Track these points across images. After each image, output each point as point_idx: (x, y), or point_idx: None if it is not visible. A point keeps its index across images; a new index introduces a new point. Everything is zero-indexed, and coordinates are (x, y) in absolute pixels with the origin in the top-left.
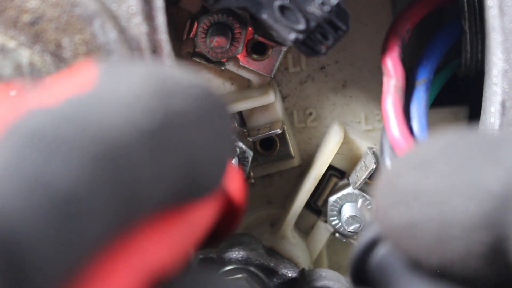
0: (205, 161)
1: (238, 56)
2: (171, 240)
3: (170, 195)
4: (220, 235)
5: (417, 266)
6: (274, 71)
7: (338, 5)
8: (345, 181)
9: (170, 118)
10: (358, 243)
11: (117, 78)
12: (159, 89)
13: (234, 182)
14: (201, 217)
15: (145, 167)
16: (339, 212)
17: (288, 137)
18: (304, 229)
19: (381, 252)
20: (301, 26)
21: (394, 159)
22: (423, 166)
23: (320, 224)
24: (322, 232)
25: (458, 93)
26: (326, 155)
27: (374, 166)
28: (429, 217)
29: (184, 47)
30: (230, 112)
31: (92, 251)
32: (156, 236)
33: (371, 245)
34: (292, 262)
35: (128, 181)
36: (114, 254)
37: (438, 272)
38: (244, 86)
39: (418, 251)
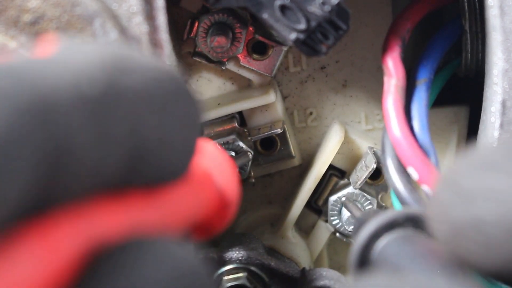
0: (158, 143)
1: (239, 56)
2: (128, 216)
3: (117, 170)
4: (212, 228)
5: (471, 266)
6: (274, 71)
7: (338, 4)
8: (345, 181)
9: (117, 91)
10: (362, 234)
11: (74, 50)
12: (113, 65)
13: (225, 175)
14: (171, 200)
15: (80, 131)
16: (340, 211)
17: (288, 136)
18: (305, 229)
19: (384, 241)
20: (302, 25)
21: (457, 160)
22: (489, 165)
23: (321, 223)
24: (322, 232)
25: (458, 93)
26: (327, 155)
27: (375, 165)
28: (497, 215)
29: (184, 47)
30: (197, 100)
31: (13, 208)
32: (113, 209)
33: (374, 236)
34: (292, 262)
35: (58, 138)
36: (56, 216)
37: (496, 274)
38: (245, 86)
39: (480, 250)
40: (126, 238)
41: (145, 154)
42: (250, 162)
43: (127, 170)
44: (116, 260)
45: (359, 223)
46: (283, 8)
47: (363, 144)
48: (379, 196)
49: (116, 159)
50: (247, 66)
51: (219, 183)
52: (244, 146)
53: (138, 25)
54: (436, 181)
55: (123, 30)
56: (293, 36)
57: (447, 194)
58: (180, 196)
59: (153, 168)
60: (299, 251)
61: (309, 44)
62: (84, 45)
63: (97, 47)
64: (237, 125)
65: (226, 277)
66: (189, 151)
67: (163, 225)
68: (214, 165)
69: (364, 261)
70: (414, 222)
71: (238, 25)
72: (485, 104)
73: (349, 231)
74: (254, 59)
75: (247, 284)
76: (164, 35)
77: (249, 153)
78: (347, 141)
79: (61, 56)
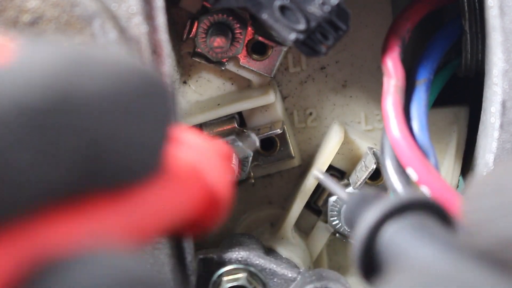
0: (117, 143)
1: (238, 56)
2: (81, 226)
3: (70, 178)
4: (202, 226)
5: None
6: (274, 71)
7: (338, 5)
8: (345, 181)
9: (69, 100)
10: (363, 226)
11: (31, 57)
12: (69, 70)
13: (216, 170)
14: (143, 202)
15: (20, 146)
16: (339, 212)
17: (288, 137)
18: (304, 229)
19: (390, 231)
20: (302, 26)
21: (501, 163)
22: None
23: (320, 224)
24: (322, 232)
25: (458, 93)
26: (326, 155)
27: (374, 166)
28: None
29: (184, 47)
30: (168, 95)
31: None
32: (64, 220)
33: (376, 227)
34: (292, 262)
35: None
36: None
37: None
38: (244, 86)
39: None
40: (70, 252)
41: (103, 156)
42: (250, 162)
43: (84, 175)
44: (51, 276)
45: (351, 208)
46: (282, 8)
47: (363, 145)
48: None
49: (66, 168)
50: (246, 66)
51: (208, 178)
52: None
53: (137, 25)
54: (474, 182)
55: (122, 31)
56: (292, 36)
57: (494, 202)
58: (155, 196)
59: (113, 169)
60: (299, 252)
61: (308, 44)
62: (43, 50)
63: (56, 51)
64: (236, 125)
65: (225, 278)
66: (154, 148)
67: (130, 229)
68: (203, 159)
69: (369, 254)
70: (424, 208)
71: (238, 25)
72: (485, 104)
73: (349, 231)
74: (253, 59)
75: (247, 284)
76: (163, 35)
77: (256, 143)
78: (346, 141)
79: (16, 65)
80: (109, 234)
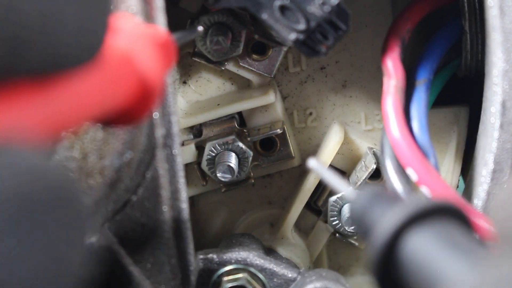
0: (45, 22)
1: (238, 56)
2: (9, 113)
3: None
4: (133, 116)
5: None
6: (274, 71)
7: (338, 5)
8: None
9: None
10: (382, 230)
11: None
12: None
13: (148, 57)
14: (72, 91)
15: None
16: (339, 212)
17: (288, 137)
18: (304, 229)
19: (414, 239)
20: (301, 26)
21: None
22: None
23: (320, 224)
24: (322, 232)
25: (458, 93)
26: (326, 155)
27: (374, 166)
28: None
29: (184, 47)
30: None
31: None
32: None
33: (398, 233)
34: (292, 262)
35: None
36: None
37: None
38: (244, 86)
39: None
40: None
41: (28, 36)
42: (250, 162)
43: (7, 60)
44: None
45: (362, 207)
46: (282, 8)
47: (363, 145)
48: None
49: None
50: (246, 66)
51: (140, 67)
52: (243, 146)
53: None
54: (504, 190)
55: None
56: (292, 36)
57: None
58: (84, 85)
59: (41, 53)
60: (299, 252)
61: (308, 44)
62: None
63: None
64: (236, 125)
65: (225, 278)
66: (90, 31)
67: (52, 120)
68: (137, 46)
69: (389, 263)
70: (447, 214)
71: (238, 25)
72: (485, 104)
73: (349, 231)
74: (253, 59)
75: (247, 284)
76: None
77: (198, 28)
78: (346, 141)
79: None
80: (25, 127)
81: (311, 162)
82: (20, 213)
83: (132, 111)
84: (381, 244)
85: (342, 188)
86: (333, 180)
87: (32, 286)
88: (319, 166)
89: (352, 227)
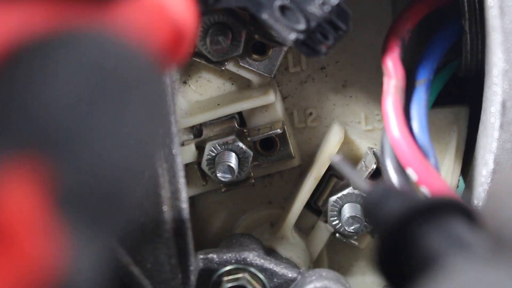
0: None
1: (238, 56)
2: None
3: None
4: (166, 61)
5: None
6: (274, 71)
7: (338, 5)
8: (345, 181)
9: None
10: (390, 220)
11: None
12: None
13: (180, 6)
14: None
15: None
16: (339, 212)
17: (288, 137)
18: (304, 229)
19: (422, 230)
20: (302, 26)
21: None
22: None
23: (320, 224)
24: (322, 232)
25: (458, 93)
26: (326, 155)
27: (374, 166)
28: None
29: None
30: None
31: None
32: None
33: (406, 224)
34: (292, 262)
35: None
36: None
37: None
38: (244, 86)
39: None
40: (55, 31)
41: None
42: (250, 162)
43: None
44: (35, 53)
45: (374, 200)
46: (282, 8)
47: (363, 145)
48: None
49: None
50: (246, 66)
51: (172, 14)
52: (243, 146)
53: None
54: (496, 182)
55: None
56: (292, 36)
57: None
58: (131, 14)
59: None
60: (299, 252)
61: (308, 44)
62: None
63: None
64: (236, 125)
65: (226, 278)
66: None
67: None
68: None
69: (394, 252)
70: (455, 210)
71: (238, 25)
72: (485, 104)
73: (349, 231)
74: (253, 59)
75: (247, 284)
76: None
77: None
78: (347, 141)
79: None
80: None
81: (335, 158)
82: (121, 86)
83: (165, 56)
84: (389, 233)
85: (363, 185)
86: (355, 177)
87: (122, 159)
88: (343, 163)
89: (353, 227)
